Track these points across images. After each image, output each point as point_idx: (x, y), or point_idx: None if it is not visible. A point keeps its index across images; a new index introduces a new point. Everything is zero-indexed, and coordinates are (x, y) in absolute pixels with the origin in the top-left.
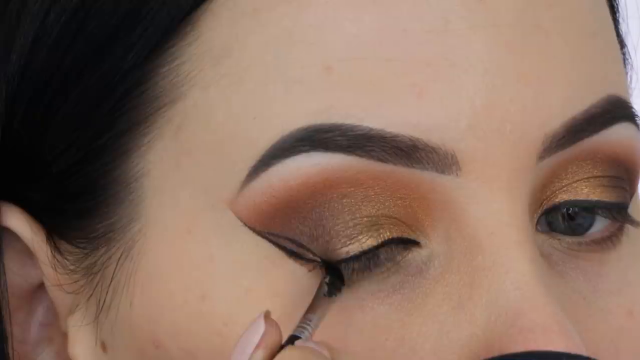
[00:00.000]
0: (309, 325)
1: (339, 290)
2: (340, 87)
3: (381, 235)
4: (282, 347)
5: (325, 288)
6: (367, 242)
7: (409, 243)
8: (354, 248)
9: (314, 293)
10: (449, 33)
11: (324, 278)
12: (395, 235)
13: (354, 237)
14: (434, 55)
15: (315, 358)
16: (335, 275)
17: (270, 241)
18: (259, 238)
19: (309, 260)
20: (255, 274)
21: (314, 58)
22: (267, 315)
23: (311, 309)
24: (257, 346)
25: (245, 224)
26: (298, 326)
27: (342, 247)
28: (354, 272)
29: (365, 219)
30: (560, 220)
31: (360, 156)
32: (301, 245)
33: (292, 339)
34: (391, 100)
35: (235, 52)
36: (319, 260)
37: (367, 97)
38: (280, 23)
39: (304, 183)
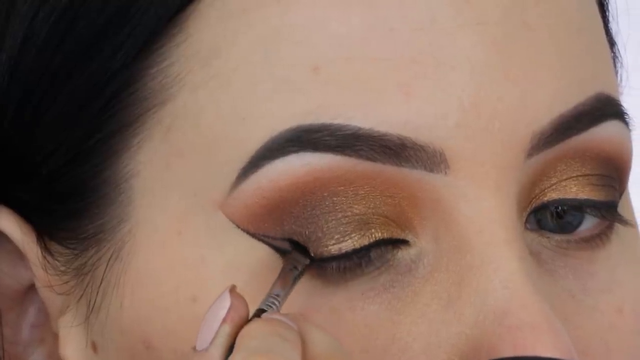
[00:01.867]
0: (275, 299)
1: (303, 265)
2: (328, 86)
3: (372, 234)
4: (249, 320)
5: (290, 263)
6: (359, 240)
7: (398, 243)
8: (346, 245)
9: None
10: (436, 31)
11: (289, 253)
12: (385, 235)
13: (347, 234)
14: (421, 54)
15: (282, 329)
16: (299, 251)
17: (265, 242)
18: (251, 239)
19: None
20: (247, 275)
21: (301, 58)
22: (232, 290)
23: (277, 283)
24: (224, 321)
25: (238, 226)
26: (265, 300)
27: (335, 244)
28: (346, 271)
29: (356, 217)
30: (549, 219)
31: (349, 155)
32: (296, 244)
33: (259, 313)
34: (379, 99)
35: (224, 53)
36: (311, 257)
37: (355, 97)
38: (268, 23)
39: (293, 183)
